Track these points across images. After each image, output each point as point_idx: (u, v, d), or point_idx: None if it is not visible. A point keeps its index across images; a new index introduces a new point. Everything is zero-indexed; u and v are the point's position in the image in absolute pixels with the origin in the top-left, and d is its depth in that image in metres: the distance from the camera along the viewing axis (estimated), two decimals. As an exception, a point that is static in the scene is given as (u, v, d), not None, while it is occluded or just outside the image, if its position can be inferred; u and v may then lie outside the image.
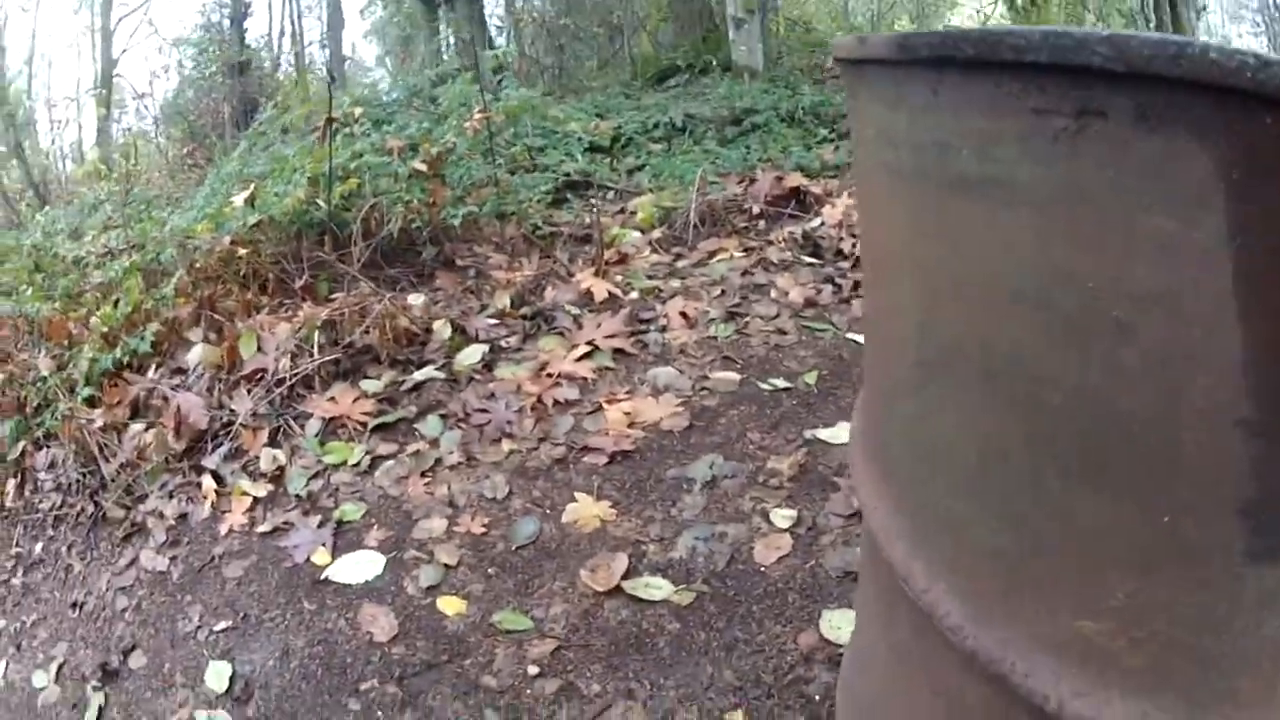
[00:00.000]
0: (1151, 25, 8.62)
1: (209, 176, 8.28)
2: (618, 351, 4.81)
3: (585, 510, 3.79)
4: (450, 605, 3.47)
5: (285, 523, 4.05)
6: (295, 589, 3.74)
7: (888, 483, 1.38)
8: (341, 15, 20.96)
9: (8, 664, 4.27)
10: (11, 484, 5.18)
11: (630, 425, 4.27)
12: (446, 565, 3.65)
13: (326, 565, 3.77)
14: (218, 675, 3.50)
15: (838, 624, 3.07)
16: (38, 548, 4.76)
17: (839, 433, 4.06)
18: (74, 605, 4.28)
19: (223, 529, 4.14)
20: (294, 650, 3.49)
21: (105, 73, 20.67)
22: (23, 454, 5.22)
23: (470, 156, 6.61)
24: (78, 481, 4.78)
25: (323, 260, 5.64)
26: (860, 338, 4.75)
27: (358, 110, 7.23)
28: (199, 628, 3.76)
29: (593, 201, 7.31)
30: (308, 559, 3.84)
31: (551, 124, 8.93)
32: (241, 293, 5.46)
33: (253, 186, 6.02)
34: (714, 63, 11.42)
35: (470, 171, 6.70)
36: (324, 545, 3.87)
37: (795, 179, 6.77)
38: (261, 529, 4.07)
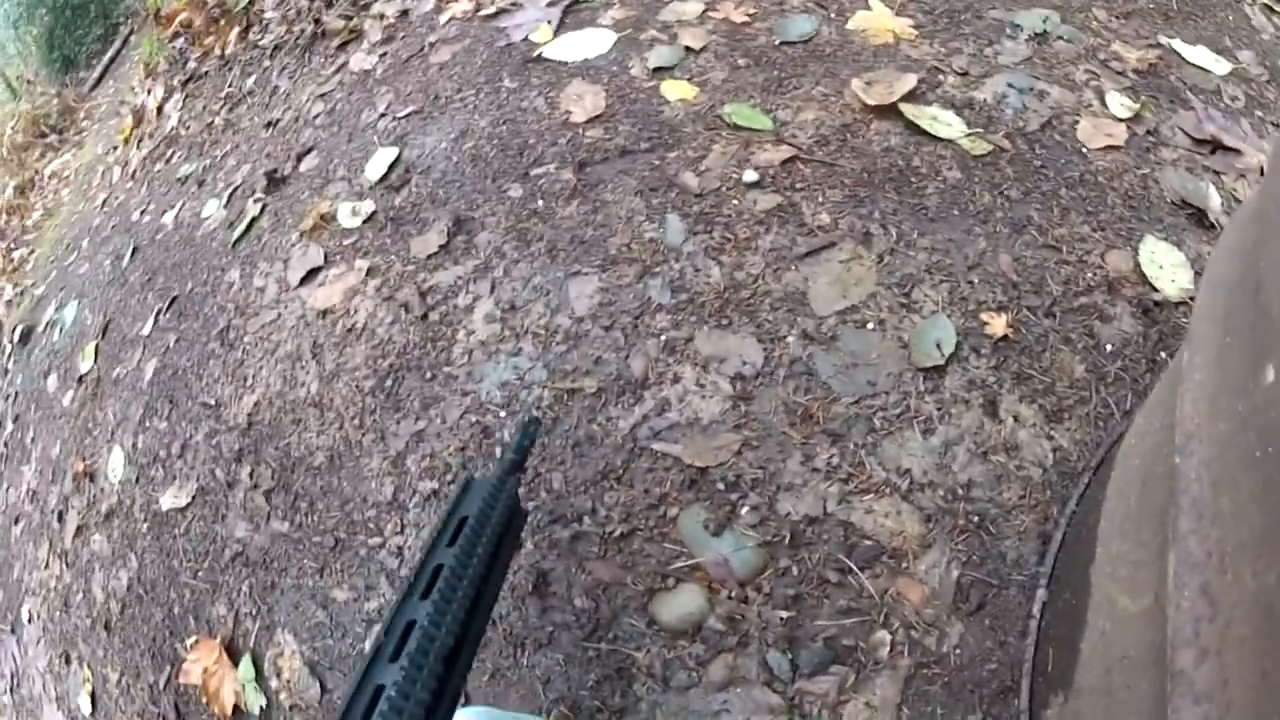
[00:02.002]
0: None
1: None
2: None
3: (879, 21, 2.91)
4: (676, 89, 2.70)
5: (513, 3, 3.37)
6: (500, 68, 3.08)
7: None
8: None
9: (184, 203, 3.91)
10: (234, 32, 4.84)
11: None
12: (688, 48, 2.86)
13: (545, 43, 3.08)
14: (379, 162, 2.97)
15: (1161, 260, 2.24)
16: (249, 81, 4.34)
17: (1198, 54, 3.11)
18: (268, 125, 3.82)
19: (442, 18, 3.52)
20: (474, 131, 2.86)
21: None
22: (250, 2, 4.84)
23: None
24: (304, 7, 4.31)
25: None
26: None
27: None
28: (382, 116, 3.20)
29: None
30: (525, 38, 3.15)
31: None
32: None
33: None
34: None
35: None
36: (548, 23, 3.16)
37: None
38: (485, 12, 3.41)
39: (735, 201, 2.36)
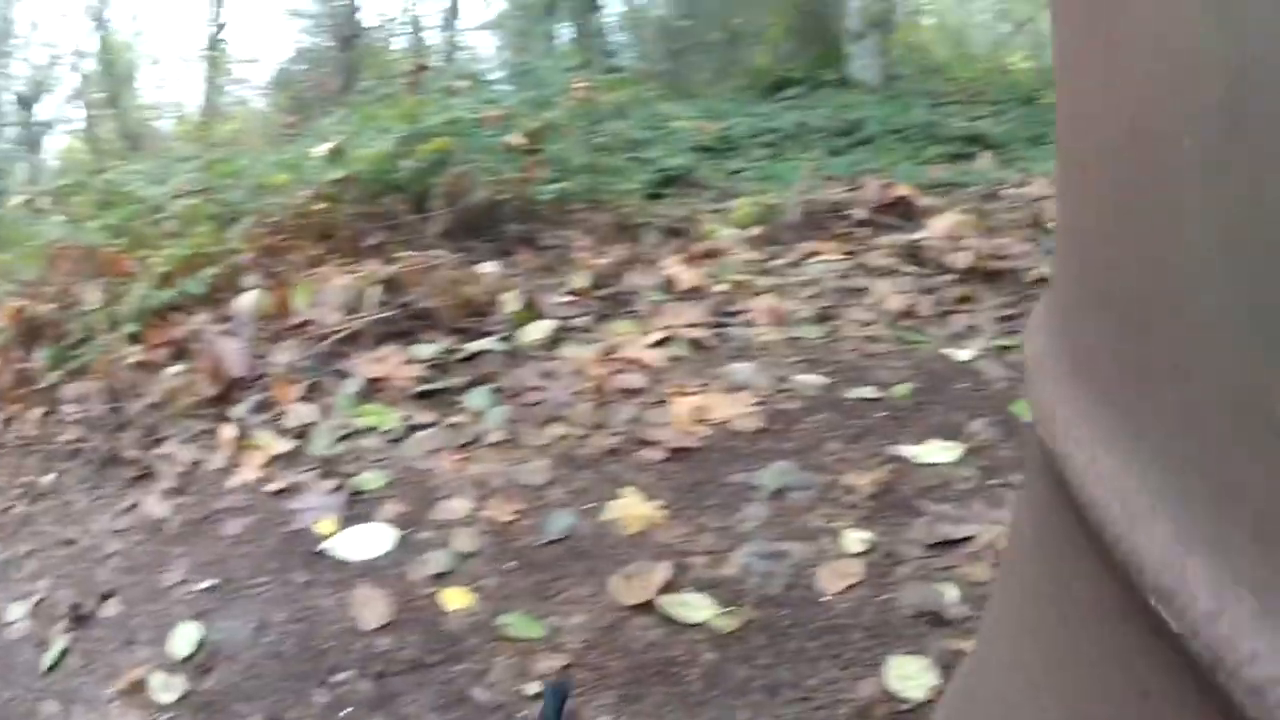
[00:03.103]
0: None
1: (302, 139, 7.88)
2: (695, 343, 4.22)
3: (631, 509, 3.23)
4: (455, 599, 2.95)
5: (297, 483, 3.60)
6: (290, 556, 3.27)
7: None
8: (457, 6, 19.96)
9: (-10, 591, 3.94)
10: (37, 413, 4.87)
11: (697, 422, 3.67)
12: (461, 552, 3.13)
13: (330, 535, 3.30)
14: (186, 638, 3.07)
15: (908, 672, 2.46)
16: (47, 479, 4.40)
17: (927, 451, 3.46)
18: (67, 542, 3.89)
19: (231, 482, 3.71)
20: (272, 624, 3.02)
21: (216, 36, 19.88)
22: (54, 384, 4.88)
23: (569, 133, 6.00)
24: (100, 418, 4.41)
25: (400, 223, 5.22)
26: (961, 353, 4.18)
27: (460, 82, 6.71)
28: (181, 583, 3.32)
29: (689, 200, 6.79)
30: (311, 525, 3.36)
31: (659, 120, 8.40)
32: (311, 245, 5.09)
33: (338, 140, 5.53)
34: (828, 77, 10.82)
35: (568, 152, 6.09)
36: (333, 513, 3.39)
37: (903, 188, 6.09)
38: (271, 487, 3.61)
39: (523, 713, 2.55)
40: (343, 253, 5.05)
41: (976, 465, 3.33)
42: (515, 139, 5.59)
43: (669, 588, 2.83)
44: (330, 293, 4.36)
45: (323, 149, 5.52)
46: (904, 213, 5.85)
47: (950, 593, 2.70)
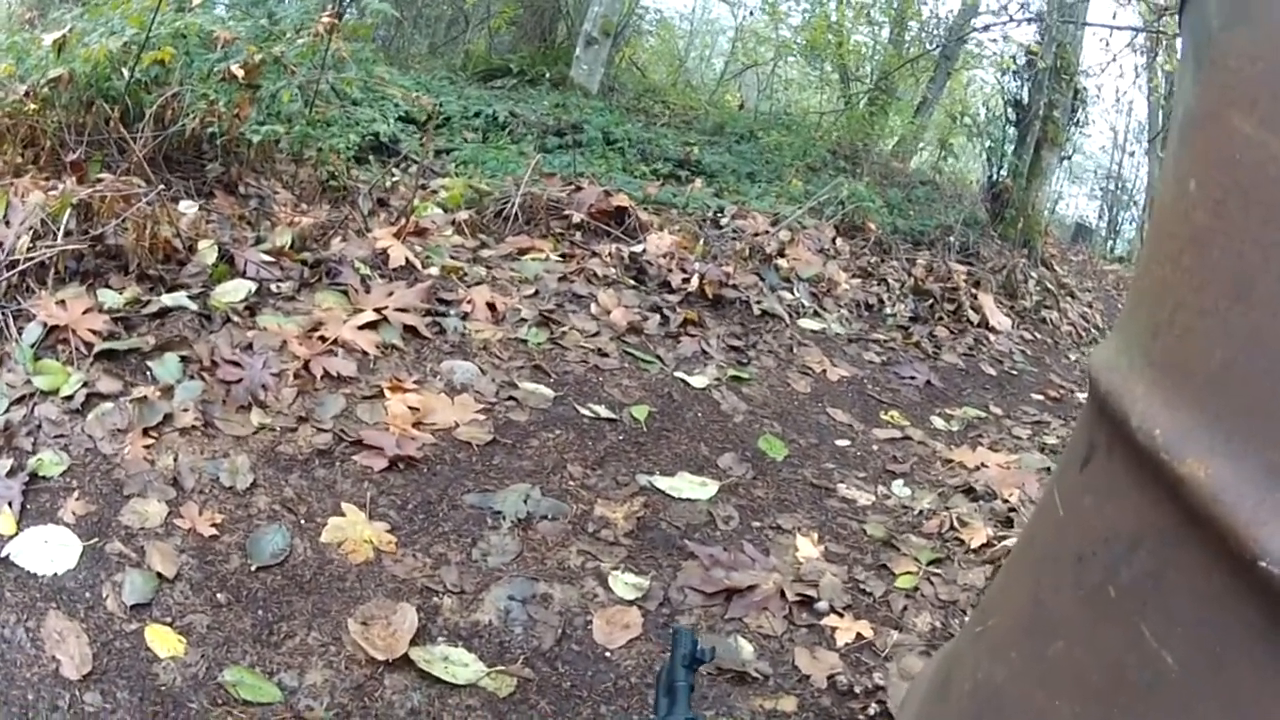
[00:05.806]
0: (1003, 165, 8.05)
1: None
2: (409, 330, 3.67)
3: (354, 530, 2.66)
4: (163, 641, 2.23)
5: None
6: None
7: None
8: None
9: None
10: None
11: (417, 425, 3.19)
12: (160, 575, 2.40)
13: (10, 537, 2.45)
14: None
15: None
16: None
17: (680, 485, 3.14)
18: None
19: None
20: None
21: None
22: None
23: (292, 73, 5.20)
24: None
25: (105, 139, 4.33)
26: (695, 380, 3.95)
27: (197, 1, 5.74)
28: None
29: (394, 169, 6.20)
30: None
31: (374, 82, 7.65)
32: (14, 150, 4.18)
33: (67, 29, 4.61)
34: (546, 75, 10.31)
35: (283, 96, 5.28)
36: (10, 506, 2.53)
37: (623, 199, 5.71)
38: None
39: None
40: (43, 164, 4.16)
41: (734, 504, 3.04)
42: (236, 68, 4.77)
43: (420, 637, 2.29)
44: (23, 210, 3.43)
45: (50, 38, 4.54)
46: (622, 223, 5.49)
47: (745, 648, 2.43)
